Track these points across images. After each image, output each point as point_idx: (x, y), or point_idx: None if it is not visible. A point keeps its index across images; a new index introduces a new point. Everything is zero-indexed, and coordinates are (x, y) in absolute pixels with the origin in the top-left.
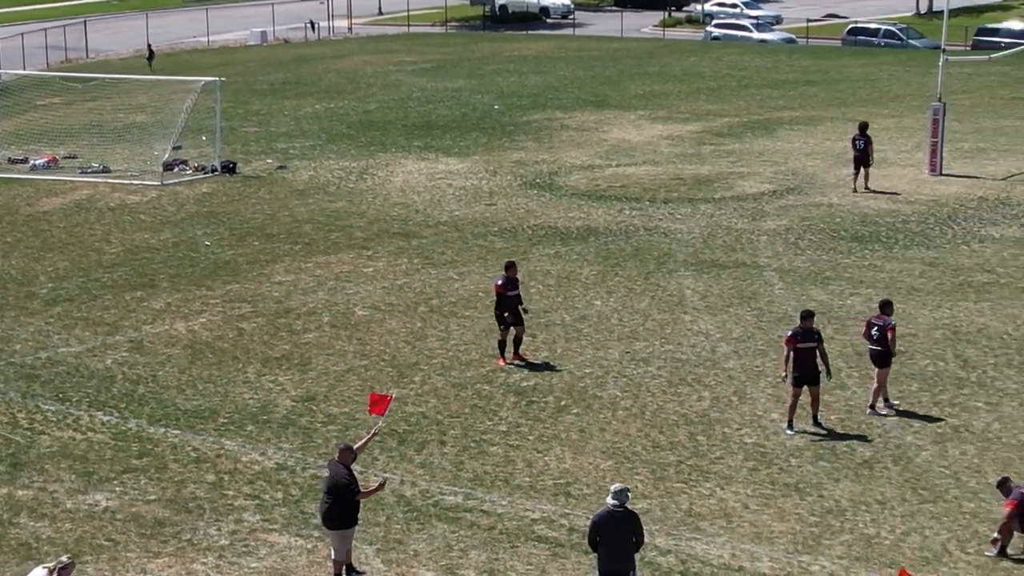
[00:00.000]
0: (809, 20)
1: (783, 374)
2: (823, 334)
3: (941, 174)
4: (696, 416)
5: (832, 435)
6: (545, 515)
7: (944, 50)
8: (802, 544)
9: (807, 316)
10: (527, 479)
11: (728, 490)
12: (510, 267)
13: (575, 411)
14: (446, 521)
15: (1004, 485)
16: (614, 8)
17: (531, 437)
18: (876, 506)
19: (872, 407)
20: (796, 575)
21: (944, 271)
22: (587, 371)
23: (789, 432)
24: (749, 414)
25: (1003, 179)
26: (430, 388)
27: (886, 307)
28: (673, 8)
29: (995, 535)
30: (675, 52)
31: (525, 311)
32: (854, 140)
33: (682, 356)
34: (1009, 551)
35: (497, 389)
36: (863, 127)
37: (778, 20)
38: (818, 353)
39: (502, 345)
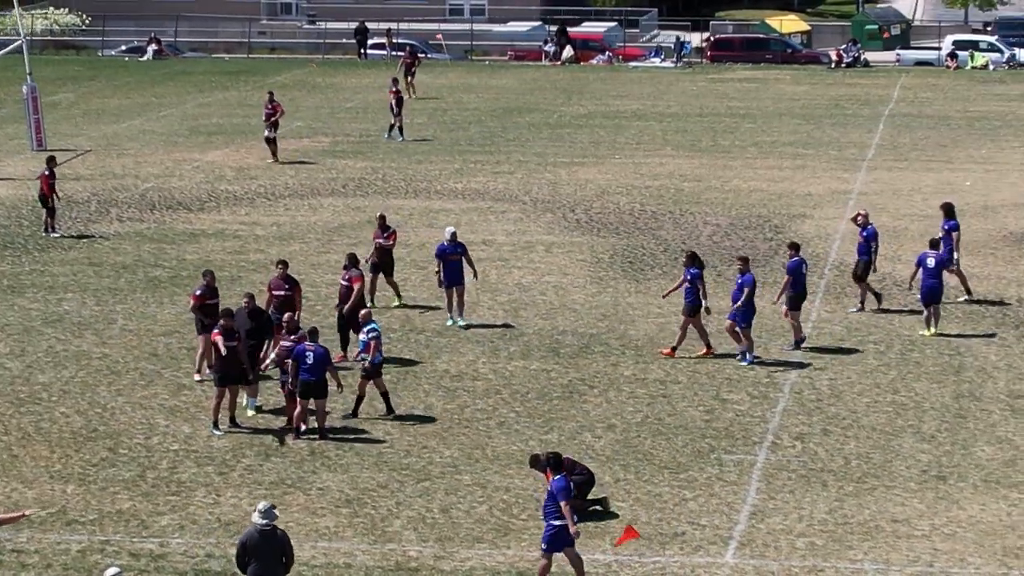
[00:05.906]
0: None
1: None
2: None
3: None
4: (83, 430)
5: None
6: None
7: None
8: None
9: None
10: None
11: (225, 495)
12: None
13: None
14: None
15: (540, 462)
16: None
17: None
18: (396, 486)
19: None
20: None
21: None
22: None
23: (218, 432)
24: (141, 421)
25: None
26: None
27: None
28: None
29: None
30: None
31: None
32: None
33: None
34: None
35: None
36: None
37: None
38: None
39: None
